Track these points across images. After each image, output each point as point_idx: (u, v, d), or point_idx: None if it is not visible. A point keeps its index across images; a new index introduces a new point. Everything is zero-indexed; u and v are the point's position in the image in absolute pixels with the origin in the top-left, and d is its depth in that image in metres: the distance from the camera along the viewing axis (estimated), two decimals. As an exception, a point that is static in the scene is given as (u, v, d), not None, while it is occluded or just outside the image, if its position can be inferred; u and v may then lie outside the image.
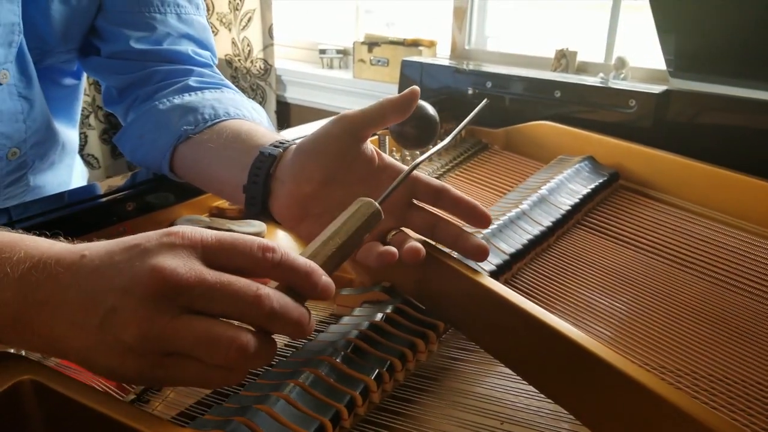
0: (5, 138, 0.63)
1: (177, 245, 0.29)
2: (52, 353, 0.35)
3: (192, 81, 0.60)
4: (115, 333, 0.28)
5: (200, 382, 0.30)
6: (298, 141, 0.46)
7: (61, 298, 0.29)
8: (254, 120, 0.56)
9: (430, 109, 0.56)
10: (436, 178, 0.73)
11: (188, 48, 0.64)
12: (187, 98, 0.57)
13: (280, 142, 0.46)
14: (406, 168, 0.43)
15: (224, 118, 0.53)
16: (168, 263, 0.28)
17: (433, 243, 0.44)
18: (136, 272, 0.28)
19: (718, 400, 0.38)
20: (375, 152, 0.45)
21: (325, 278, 0.32)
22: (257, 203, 0.44)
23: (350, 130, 0.43)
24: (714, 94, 0.72)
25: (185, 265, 0.28)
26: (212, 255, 0.30)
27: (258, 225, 0.53)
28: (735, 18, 0.72)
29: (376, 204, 0.37)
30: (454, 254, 0.46)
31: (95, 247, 0.31)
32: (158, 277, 0.28)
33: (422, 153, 0.75)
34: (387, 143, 0.76)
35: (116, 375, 0.30)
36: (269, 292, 0.30)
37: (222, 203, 0.58)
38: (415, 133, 0.55)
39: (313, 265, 0.32)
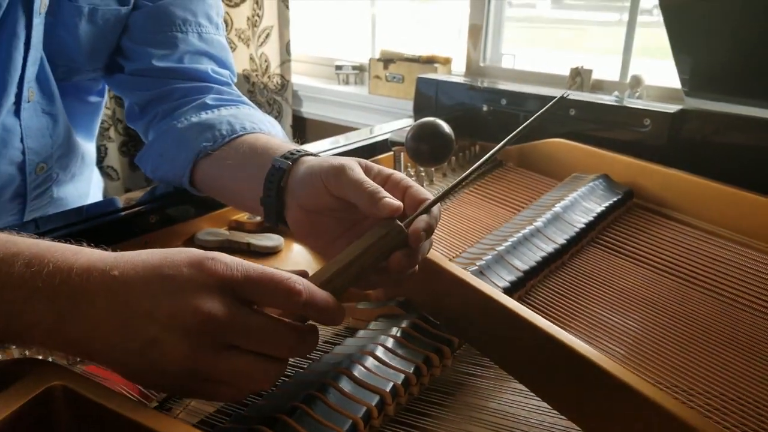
0: (34, 153, 0.65)
1: (210, 284, 0.31)
2: (84, 359, 0.37)
3: (209, 99, 0.62)
4: (155, 361, 0.30)
5: (231, 399, 0.34)
6: (310, 152, 0.47)
7: (97, 319, 0.31)
8: (270, 133, 0.57)
9: (446, 128, 0.57)
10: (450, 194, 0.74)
11: (208, 66, 0.66)
12: (204, 116, 0.59)
13: (291, 153, 0.46)
14: (413, 182, 0.43)
15: (241, 132, 0.55)
16: (207, 306, 0.30)
17: (450, 261, 0.44)
18: (177, 310, 0.30)
19: (730, 419, 0.38)
20: (384, 172, 0.44)
21: (340, 313, 0.34)
22: (272, 216, 0.46)
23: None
24: (728, 113, 0.72)
25: (222, 307, 0.30)
26: (242, 292, 0.31)
27: (276, 239, 0.54)
28: (750, 39, 0.72)
29: (404, 229, 0.36)
30: (469, 270, 0.47)
31: (124, 266, 0.31)
32: (199, 317, 0.30)
33: (437, 169, 0.76)
34: (402, 159, 0.77)
35: (151, 387, 0.33)
36: (301, 341, 0.33)
37: (241, 217, 0.60)
38: (430, 150, 0.56)
39: (330, 303, 0.33)
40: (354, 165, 0.41)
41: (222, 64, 0.69)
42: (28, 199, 0.68)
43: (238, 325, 0.31)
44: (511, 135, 0.42)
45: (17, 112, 0.61)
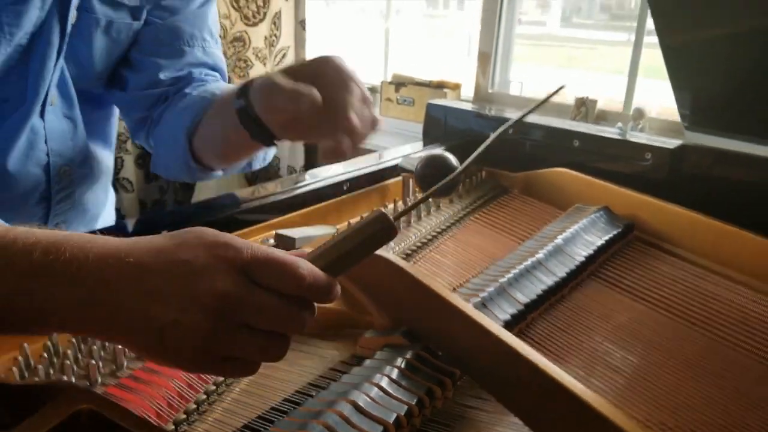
0: (57, 155, 0.69)
1: (223, 267, 0.32)
2: (104, 341, 0.41)
3: (188, 89, 0.71)
4: (176, 341, 0.32)
5: (244, 374, 0.38)
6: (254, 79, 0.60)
7: (116, 305, 0.32)
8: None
9: (454, 161, 0.60)
10: (456, 221, 0.76)
11: (202, 71, 0.74)
12: (185, 101, 0.69)
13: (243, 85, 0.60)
14: None
15: (216, 93, 0.67)
16: (222, 286, 0.32)
17: (453, 291, 0.47)
18: (195, 292, 0.32)
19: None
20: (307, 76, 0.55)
21: (336, 292, 0.36)
22: (253, 127, 0.58)
23: None
24: (727, 150, 0.74)
25: (236, 287, 0.32)
26: (252, 272, 0.33)
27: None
28: (749, 76, 0.75)
29: (391, 219, 0.37)
30: (472, 302, 0.49)
31: (139, 252, 0.33)
32: (216, 298, 0.32)
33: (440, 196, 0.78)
34: (411, 185, 0.79)
35: (172, 365, 0.35)
36: (304, 319, 0.35)
37: (255, 240, 0.62)
38: (439, 180, 0.58)
39: (329, 284, 0.35)
40: (280, 79, 0.53)
41: (220, 72, 0.77)
42: (53, 203, 0.71)
43: (250, 304, 0.33)
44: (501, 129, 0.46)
45: (42, 115, 0.65)
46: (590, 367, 0.48)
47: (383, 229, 0.37)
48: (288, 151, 1.94)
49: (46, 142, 0.67)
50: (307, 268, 0.34)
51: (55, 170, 0.69)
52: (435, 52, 2.05)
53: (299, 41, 1.85)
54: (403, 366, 0.42)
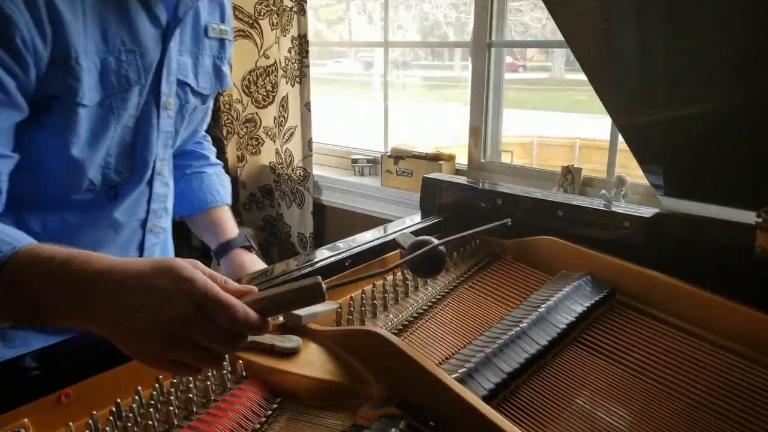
0: (152, 213, 0.86)
1: (181, 298, 0.44)
2: (93, 331, 0.49)
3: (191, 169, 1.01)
4: (139, 343, 0.46)
5: (188, 374, 0.53)
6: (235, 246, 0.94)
7: (102, 309, 0.46)
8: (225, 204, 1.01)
9: (440, 248, 0.67)
10: (454, 287, 0.82)
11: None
12: (199, 184, 1.01)
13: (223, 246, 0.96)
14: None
15: (206, 206, 0.99)
16: (177, 312, 0.44)
17: (441, 364, 0.53)
18: (157, 312, 0.45)
19: None
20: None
21: (264, 329, 0.47)
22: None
23: None
24: (699, 216, 0.80)
25: (187, 314, 0.45)
26: (203, 305, 0.45)
27: (296, 340, 0.63)
28: (714, 146, 0.82)
29: (323, 289, 0.47)
30: (459, 372, 0.55)
31: (125, 272, 0.46)
32: (172, 320, 0.45)
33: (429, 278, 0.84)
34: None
35: (135, 357, 0.47)
36: (235, 343, 0.47)
37: (266, 319, 0.69)
38: (426, 266, 0.65)
39: (260, 323, 0.47)
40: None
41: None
42: (145, 253, 0.87)
43: (195, 327, 0.44)
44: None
45: (150, 182, 0.82)
46: (569, 430, 0.53)
47: (314, 295, 0.47)
48: (297, 219, 2.05)
49: (148, 203, 0.83)
50: (242, 311, 0.45)
51: (149, 225, 0.85)
52: (436, 120, 2.18)
53: (305, 121, 2.01)
54: (396, 435, 0.48)
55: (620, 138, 1.39)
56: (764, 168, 0.77)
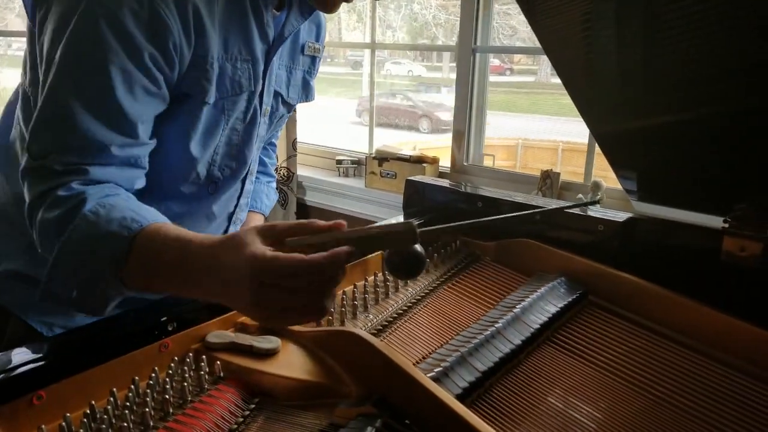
0: (239, 208, 0.93)
1: (255, 271, 0.50)
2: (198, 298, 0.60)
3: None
4: (243, 303, 0.52)
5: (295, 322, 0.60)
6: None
7: (206, 283, 0.54)
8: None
9: (418, 247, 0.68)
10: (434, 288, 0.83)
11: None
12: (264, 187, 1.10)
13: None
14: None
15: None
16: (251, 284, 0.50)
17: (419, 362, 0.54)
18: (246, 280, 0.50)
19: None
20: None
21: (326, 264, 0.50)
22: None
23: None
24: (670, 221, 0.83)
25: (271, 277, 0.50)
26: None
27: (275, 341, 0.64)
28: (686, 151, 0.84)
29: (415, 227, 0.50)
30: (435, 371, 0.56)
31: (218, 252, 0.53)
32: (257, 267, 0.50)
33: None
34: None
35: (248, 315, 0.58)
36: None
37: (246, 319, 0.69)
38: (406, 267, 0.66)
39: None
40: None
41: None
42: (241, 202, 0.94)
43: (271, 294, 0.50)
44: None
45: (243, 180, 0.89)
46: (540, 427, 0.54)
47: (407, 238, 0.50)
48: (281, 219, 2.06)
49: (238, 199, 0.91)
50: (306, 267, 0.49)
51: (234, 217, 0.93)
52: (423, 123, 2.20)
53: (290, 121, 2.00)
54: (371, 433, 0.49)
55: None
56: (733, 175, 0.79)
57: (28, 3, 0.68)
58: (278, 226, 0.53)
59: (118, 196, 0.62)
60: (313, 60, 0.95)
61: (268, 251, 0.50)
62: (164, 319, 0.62)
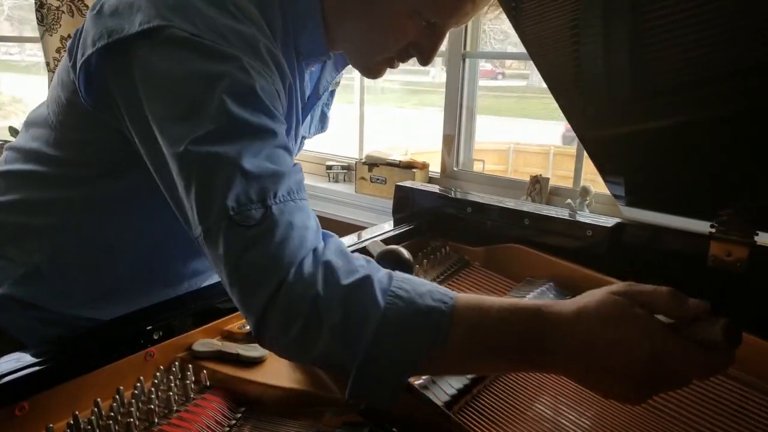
0: None
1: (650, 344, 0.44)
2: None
3: None
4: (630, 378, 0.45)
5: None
6: None
7: (567, 348, 0.46)
8: None
9: (406, 254, 0.68)
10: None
11: None
12: None
13: None
14: None
15: None
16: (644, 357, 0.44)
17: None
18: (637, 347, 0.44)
19: None
20: None
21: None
22: None
23: None
24: (658, 226, 0.83)
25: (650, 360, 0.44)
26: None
27: (261, 349, 0.63)
28: (674, 157, 0.85)
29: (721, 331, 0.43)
30: (422, 378, 0.56)
31: (586, 317, 0.46)
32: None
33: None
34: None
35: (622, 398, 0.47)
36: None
37: (232, 327, 0.69)
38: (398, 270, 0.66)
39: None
40: None
41: None
42: None
43: (657, 374, 0.44)
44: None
45: None
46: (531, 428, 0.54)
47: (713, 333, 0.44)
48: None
49: None
50: (704, 363, 0.44)
51: None
52: (413, 124, 2.21)
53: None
54: (357, 442, 0.49)
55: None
56: (719, 181, 0.80)
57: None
58: (644, 292, 0.47)
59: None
60: (333, 93, 0.91)
61: (671, 333, 0.44)
62: (150, 327, 0.62)
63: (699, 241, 0.77)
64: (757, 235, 0.75)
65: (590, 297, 0.48)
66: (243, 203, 0.51)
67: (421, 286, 0.51)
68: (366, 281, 0.50)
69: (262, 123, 0.54)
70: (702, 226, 0.78)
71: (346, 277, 0.50)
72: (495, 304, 0.49)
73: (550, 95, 0.83)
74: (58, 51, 2.16)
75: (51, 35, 2.16)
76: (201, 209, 0.52)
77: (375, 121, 2.12)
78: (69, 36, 2.12)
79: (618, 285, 0.48)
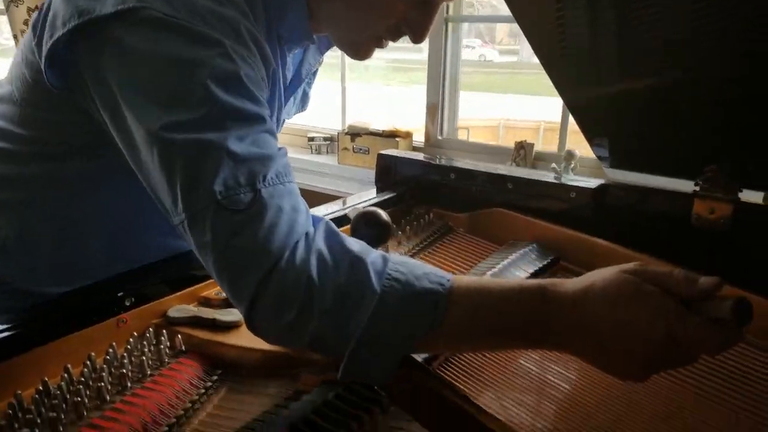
0: None
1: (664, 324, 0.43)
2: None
3: None
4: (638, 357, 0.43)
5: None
6: None
7: (574, 329, 0.45)
8: None
9: (384, 216, 0.67)
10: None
11: None
12: None
13: None
14: None
15: None
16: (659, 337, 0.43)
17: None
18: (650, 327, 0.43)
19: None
20: None
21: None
22: None
23: None
24: (643, 186, 0.82)
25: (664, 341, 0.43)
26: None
27: (237, 313, 0.62)
28: (657, 117, 0.84)
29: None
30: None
31: (593, 296, 0.45)
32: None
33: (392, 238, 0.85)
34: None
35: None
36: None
37: (209, 293, 0.67)
38: (372, 234, 0.65)
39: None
40: None
41: None
42: None
43: (670, 355, 0.43)
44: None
45: None
46: (512, 389, 0.54)
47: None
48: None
49: None
50: (716, 342, 0.42)
51: None
52: (399, 101, 2.18)
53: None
54: (334, 398, 0.48)
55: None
56: (702, 139, 0.79)
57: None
58: (659, 274, 0.45)
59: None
60: (314, 72, 0.88)
61: (685, 311, 0.43)
62: (121, 294, 0.60)
63: (683, 200, 0.76)
64: (741, 191, 0.74)
65: (598, 276, 0.46)
66: (231, 187, 0.49)
67: (417, 268, 0.50)
68: (360, 264, 0.49)
69: (248, 108, 0.52)
70: (686, 186, 0.77)
71: (339, 262, 0.49)
72: (497, 284, 0.49)
73: (541, 70, 0.81)
74: (25, 23, 2.09)
75: (17, 6, 2.08)
76: (186, 195, 0.50)
77: (359, 98, 2.08)
78: (36, 7, 2.05)
79: (629, 264, 0.46)
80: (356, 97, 2.09)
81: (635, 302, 0.43)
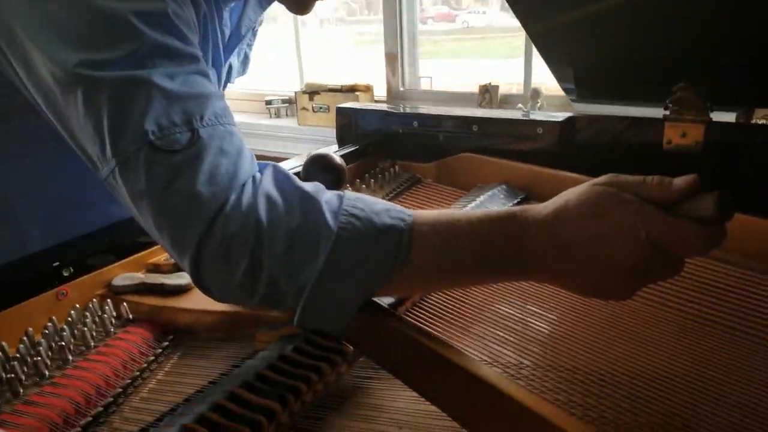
0: None
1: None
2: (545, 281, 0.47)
3: None
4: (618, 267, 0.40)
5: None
6: None
7: (550, 248, 0.42)
8: None
9: (337, 159, 0.62)
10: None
11: None
12: None
13: None
14: None
15: None
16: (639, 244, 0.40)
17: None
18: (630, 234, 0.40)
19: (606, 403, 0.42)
20: None
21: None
22: None
23: None
24: (609, 116, 0.79)
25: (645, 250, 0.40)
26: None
27: (187, 276, 0.58)
28: (620, 44, 0.80)
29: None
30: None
31: (567, 214, 0.42)
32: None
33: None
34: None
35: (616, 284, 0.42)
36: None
37: (158, 259, 0.63)
38: (326, 179, 0.61)
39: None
40: None
41: None
42: None
43: (652, 264, 0.40)
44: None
45: None
46: (489, 331, 0.51)
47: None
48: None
49: None
50: (695, 236, 0.39)
51: None
52: (351, 56, 2.10)
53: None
54: (291, 351, 0.44)
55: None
56: (669, 59, 0.76)
57: None
58: (632, 182, 0.41)
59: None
60: (254, 32, 0.83)
61: (665, 214, 0.39)
62: (57, 264, 0.55)
63: (653, 125, 0.73)
64: (712, 111, 0.72)
65: (571, 194, 0.43)
66: (165, 126, 0.44)
67: (376, 204, 0.46)
68: (314, 203, 0.44)
69: (177, 46, 0.47)
70: (657, 114, 0.74)
71: (290, 202, 0.45)
72: (463, 215, 0.45)
73: (510, 34, 0.76)
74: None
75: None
76: (114, 138, 0.44)
77: (315, 58, 1.98)
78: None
79: (601, 177, 0.43)
80: (312, 57, 1.98)
81: (613, 212, 0.40)
